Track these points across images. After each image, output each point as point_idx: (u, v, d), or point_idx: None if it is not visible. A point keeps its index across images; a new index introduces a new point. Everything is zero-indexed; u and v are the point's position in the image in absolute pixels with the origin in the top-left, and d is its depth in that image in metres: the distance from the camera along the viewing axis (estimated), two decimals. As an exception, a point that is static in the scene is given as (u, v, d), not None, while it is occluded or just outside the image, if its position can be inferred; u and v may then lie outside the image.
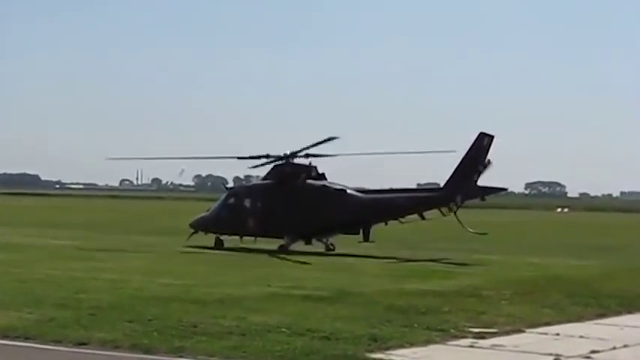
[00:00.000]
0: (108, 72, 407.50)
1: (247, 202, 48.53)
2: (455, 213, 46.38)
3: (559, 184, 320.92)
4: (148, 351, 17.79)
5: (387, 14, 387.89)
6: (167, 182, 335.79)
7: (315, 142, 47.03)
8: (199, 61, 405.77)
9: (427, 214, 47.67)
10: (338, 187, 48.49)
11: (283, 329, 20.03)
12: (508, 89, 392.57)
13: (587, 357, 18.29)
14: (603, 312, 25.01)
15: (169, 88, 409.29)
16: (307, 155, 48.50)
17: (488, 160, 46.24)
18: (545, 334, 21.07)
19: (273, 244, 47.26)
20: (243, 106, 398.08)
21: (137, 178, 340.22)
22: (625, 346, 19.69)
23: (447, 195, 46.39)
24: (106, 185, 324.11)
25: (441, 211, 47.03)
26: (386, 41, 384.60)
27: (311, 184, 48.31)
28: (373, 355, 17.80)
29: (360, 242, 47.60)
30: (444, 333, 20.39)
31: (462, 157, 46.26)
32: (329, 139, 46.26)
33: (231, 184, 61.98)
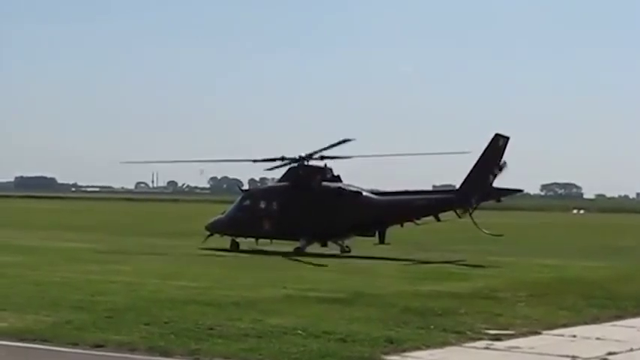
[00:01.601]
0: (123, 74, 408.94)
1: (263, 205, 48.58)
2: (470, 214, 46.35)
3: (575, 186, 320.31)
4: (164, 353, 17.80)
5: (399, 16, 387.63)
6: (183, 185, 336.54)
7: (330, 144, 47.07)
8: (214, 63, 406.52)
9: (442, 215, 47.62)
10: (353, 189, 48.48)
11: (299, 331, 20.03)
12: (523, 90, 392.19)
13: (604, 359, 18.25)
14: (620, 314, 24.94)
15: (184, 91, 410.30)
16: (322, 157, 48.56)
17: (504, 162, 46.20)
18: (562, 335, 21.01)
19: (288, 246, 47.29)
20: (258, 108, 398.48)
21: (153, 181, 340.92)
22: (642, 347, 19.62)
23: (463, 197, 46.34)
24: (122, 188, 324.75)
25: (457, 213, 47.01)
26: (399, 43, 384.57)
27: (326, 186, 48.31)
28: (389, 357, 17.80)
29: (375, 244, 47.61)
30: (460, 335, 20.36)
31: (477, 159, 46.24)
32: (344, 141, 46.30)
33: (246, 187, 62.05)
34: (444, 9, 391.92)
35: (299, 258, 43.18)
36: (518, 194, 54.41)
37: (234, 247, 48.29)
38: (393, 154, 52.25)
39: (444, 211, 47.17)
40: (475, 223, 46.31)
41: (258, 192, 51.60)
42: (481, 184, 45.87)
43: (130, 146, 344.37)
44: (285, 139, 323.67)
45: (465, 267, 40.14)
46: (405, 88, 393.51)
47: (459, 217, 47.05)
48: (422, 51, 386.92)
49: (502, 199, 47.92)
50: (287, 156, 48.90)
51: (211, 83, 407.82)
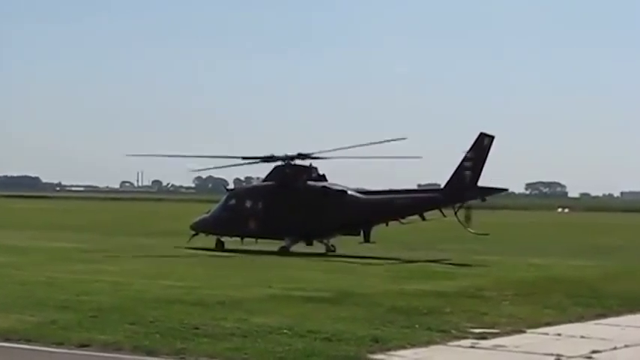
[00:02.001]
0: (109, 73, 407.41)
1: (248, 204, 48.58)
2: (456, 214, 46.41)
3: (559, 185, 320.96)
4: (149, 353, 17.81)
5: (395, 17, 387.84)
6: (167, 184, 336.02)
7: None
8: (201, 62, 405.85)
9: (428, 214, 47.67)
10: (338, 188, 48.51)
11: (285, 331, 20.06)
12: (508, 89, 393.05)
13: (589, 357, 18.30)
14: (604, 312, 25.03)
15: (171, 90, 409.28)
16: (307, 156, 48.58)
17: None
18: (547, 334, 21.09)
19: (274, 245, 47.29)
20: (254, 108, 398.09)
21: (138, 180, 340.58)
22: (626, 346, 19.70)
23: (448, 195, 46.39)
24: (107, 187, 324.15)
25: (442, 212, 47.08)
26: (389, 43, 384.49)
27: (311, 185, 48.34)
28: (374, 356, 17.83)
29: (360, 243, 47.62)
30: (445, 334, 20.41)
31: (462, 158, 46.29)
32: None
33: (231, 186, 61.95)
34: (438, 10, 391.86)
35: (284, 257, 43.20)
36: (503, 193, 54.52)
37: (220, 247, 48.26)
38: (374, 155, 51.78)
39: (430, 210, 47.21)
40: (461, 222, 46.37)
41: (243, 191, 51.57)
42: (466, 183, 45.89)
43: (116, 145, 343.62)
44: (280, 139, 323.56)
45: (450, 266, 40.21)
46: (400, 88, 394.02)
47: (444, 216, 47.13)
48: (409, 51, 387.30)
49: (487, 198, 47.97)
50: (276, 155, 48.92)
51: (199, 82, 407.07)
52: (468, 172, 45.94)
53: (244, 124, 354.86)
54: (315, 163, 48.98)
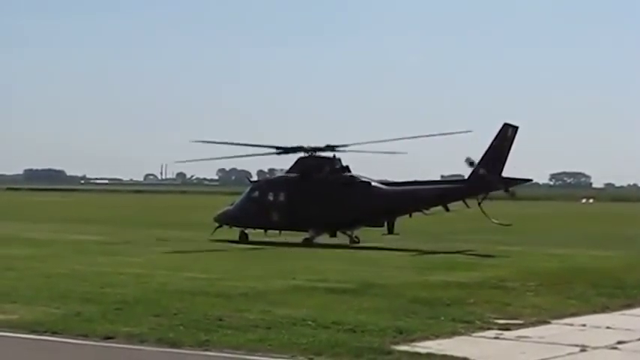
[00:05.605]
0: (132, 67, 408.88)
1: (271, 196, 48.59)
2: (479, 204, 46.31)
3: (584, 175, 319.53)
4: (173, 345, 17.85)
5: (407, 5, 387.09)
6: (191, 176, 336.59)
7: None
8: (224, 54, 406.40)
9: (451, 205, 47.58)
10: (362, 179, 48.47)
11: (308, 322, 20.06)
12: (532, 79, 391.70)
13: (614, 347, 18.24)
14: (629, 302, 24.93)
15: (196, 83, 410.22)
16: (331, 147, 48.56)
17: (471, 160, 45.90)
18: (571, 325, 21.01)
19: (297, 237, 47.32)
20: (268, 98, 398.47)
21: (161, 173, 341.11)
22: (651, 336, 19.60)
23: (471, 186, 46.28)
24: (131, 180, 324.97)
25: (466, 203, 46.98)
26: (409, 33, 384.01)
27: (335, 177, 48.30)
28: (398, 347, 17.79)
29: (384, 235, 47.60)
30: (469, 324, 20.36)
31: (486, 149, 46.16)
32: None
33: (255, 178, 62.03)
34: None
35: (308, 249, 43.21)
36: (527, 184, 54.34)
37: (243, 239, 48.33)
38: (401, 137, 51.54)
39: (454, 201, 47.13)
40: (484, 213, 46.26)
41: (266, 183, 51.58)
42: (490, 173, 45.75)
43: (140, 139, 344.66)
44: (295, 128, 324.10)
45: (473, 257, 40.13)
46: (413, 77, 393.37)
47: (468, 207, 47.04)
48: (431, 40, 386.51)
49: (511, 188, 47.81)
50: (305, 146, 48.86)
51: (221, 75, 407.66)
52: (491, 163, 45.79)
53: (258, 115, 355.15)
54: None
